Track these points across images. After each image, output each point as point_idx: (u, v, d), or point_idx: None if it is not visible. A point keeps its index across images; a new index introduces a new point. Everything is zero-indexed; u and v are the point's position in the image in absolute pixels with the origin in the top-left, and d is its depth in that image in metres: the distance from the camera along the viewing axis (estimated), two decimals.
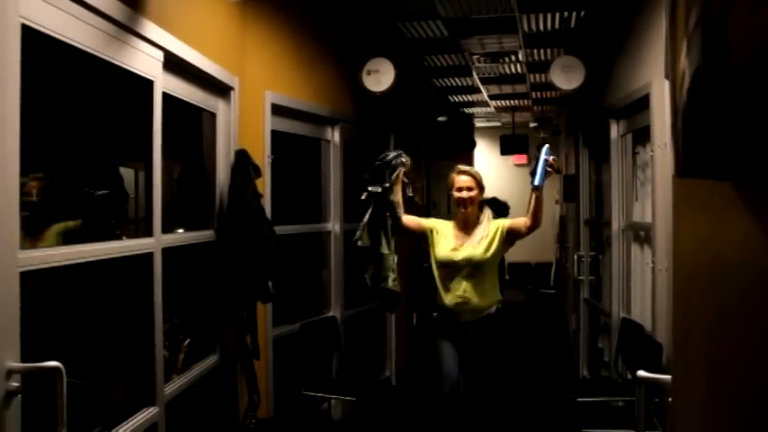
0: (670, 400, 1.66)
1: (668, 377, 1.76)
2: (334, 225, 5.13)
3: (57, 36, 2.01)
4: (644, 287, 4.51)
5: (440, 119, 9.24)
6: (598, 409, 4.38)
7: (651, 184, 3.93)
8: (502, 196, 7.98)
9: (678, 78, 0.87)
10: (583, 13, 5.40)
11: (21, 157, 1.80)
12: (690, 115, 0.85)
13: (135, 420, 2.49)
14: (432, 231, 4.00)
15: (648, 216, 4.13)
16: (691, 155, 0.87)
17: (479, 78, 8.10)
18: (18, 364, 1.79)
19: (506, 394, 5.70)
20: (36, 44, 1.92)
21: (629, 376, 4.30)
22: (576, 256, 6.18)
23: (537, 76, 7.87)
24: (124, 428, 2.41)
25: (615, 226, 4.92)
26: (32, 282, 1.95)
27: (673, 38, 0.92)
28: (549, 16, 5.51)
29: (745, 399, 1.01)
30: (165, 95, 2.79)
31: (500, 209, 7.92)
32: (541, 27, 5.81)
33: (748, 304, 0.97)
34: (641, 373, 2.03)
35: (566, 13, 5.43)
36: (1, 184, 1.71)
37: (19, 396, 1.78)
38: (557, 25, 5.75)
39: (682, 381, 1.59)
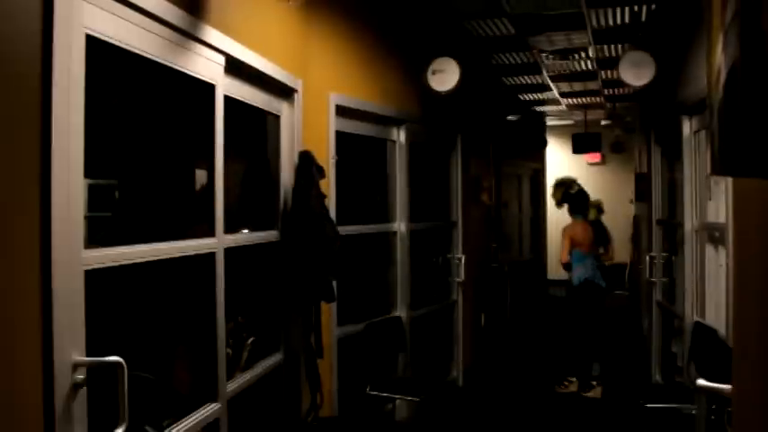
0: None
1: (729, 386, 1.69)
2: (400, 225, 5.14)
3: (120, 45, 2.09)
4: (718, 290, 4.34)
5: (510, 118, 9.14)
6: (670, 415, 4.24)
7: (725, 183, 3.78)
8: None
9: (713, 74, 0.83)
10: (653, 6, 5.24)
11: (94, 161, 1.89)
12: (726, 111, 0.81)
13: (198, 415, 2.56)
14: None
15: (722, 216, 3.97)
16: (727, 152, 0.84)
17: (549, 76, 7.97)
18: (83, 358, 1.86)
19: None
20: (103, 53, 2.01)
21: None
22: (648, 257, 6.00)
23: (608, 72, 7.68)
24: (188, 422, 2.48)
25: (688, 226, 4.76)
26: (105, 280, 2.03)
27: (708, 33, 0.88)
28: (618, 11, 5.37)
29: None
30: (230, 98, 2.86)
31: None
32: (611, 22, 5.67)
33: None
34: (701, 381, 1.96)
35: (636, 7, 5.28)
36: (66, 186, 1.78)
37: (84, 388, 1.86)
38: (627, 20, 5.60)
39: (741, 389, 1.52)
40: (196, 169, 3.59)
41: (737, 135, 0.80)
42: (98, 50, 1.95)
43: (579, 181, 11.79)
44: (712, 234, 4.53)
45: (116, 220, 3.38)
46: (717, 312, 4.35)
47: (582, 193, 7.30)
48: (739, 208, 1.33)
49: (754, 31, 0.78)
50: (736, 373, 1.58)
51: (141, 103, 3.14)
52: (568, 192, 7.11)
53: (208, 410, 2.63)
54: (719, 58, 0.82)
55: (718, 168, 0.89)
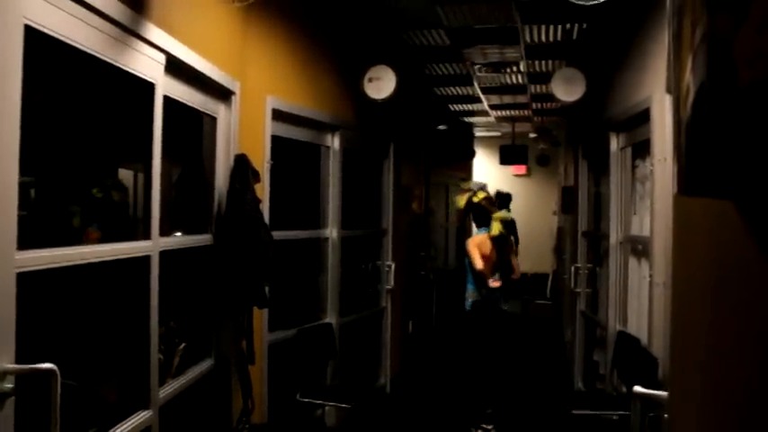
0: (666, 415, 1.66)
1: (664, 393, 1.75)
2: (332, 231, 5.12)
3: (59, 37, 2.01)
4: (641, 301, 4.51)
5: (440, 127, 9.25)
6: (593, 421, 4.37)
7: (650, 198, 3.93)
8: None
9: (682, 92, 0.86)
10: (585, 25, 5.41)
11: (20, 158, 1.80)
12: (693, 130, 0.84)
13: (128, 423, 2.47)
14: None
15: (647, 229, 4.13)
16: (693, 171, 0.86)
17: (480, 88, 8.11)
18: (13, 366, 1.77)
19: (502, 404, 5.68)
20: (38, 45, 1.92)
21: (625, 390, 4.29)
22: (573, 268, 6.17)
23: (538, 87, 7.88)
24: (118, 431, 2.40)
25: (613, 239, 4.92)
26: (29, 282, 1.94)
27: (677, 51, 0.91)
28: (551, 28, 5.52)
29: (742, 416, 1.01)
30: (166, 98, 2.79)
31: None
32: (543, 38, 5.82)
33: (746, 322, 0.97)
34: (637, 388, 2.02)
35: (568, 25, 5.45)
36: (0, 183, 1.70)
37: (13, 398, 1.77)
38: (559, 37, 5.76)
39: (678, 397, 1.58)
40: (128, 169, 3.47)
41: (704, 154, 0.83)
42: (28, 39, 1.85)
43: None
44: (635, 247, 4.70)
45: (32, 221, 3.23)
46: (639, 322, 4.51)
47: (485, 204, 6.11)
48: (682, 223, 1.38)
49: (721, 55, 0.81)
50: (674, 381, 1.64)
51: (71, 99, 3.02)
52: (471, 200, 5.95)
53: (139, 418, 2.54)
54: (688, 78, 0.85)
55: (685, 187, 0.92)
